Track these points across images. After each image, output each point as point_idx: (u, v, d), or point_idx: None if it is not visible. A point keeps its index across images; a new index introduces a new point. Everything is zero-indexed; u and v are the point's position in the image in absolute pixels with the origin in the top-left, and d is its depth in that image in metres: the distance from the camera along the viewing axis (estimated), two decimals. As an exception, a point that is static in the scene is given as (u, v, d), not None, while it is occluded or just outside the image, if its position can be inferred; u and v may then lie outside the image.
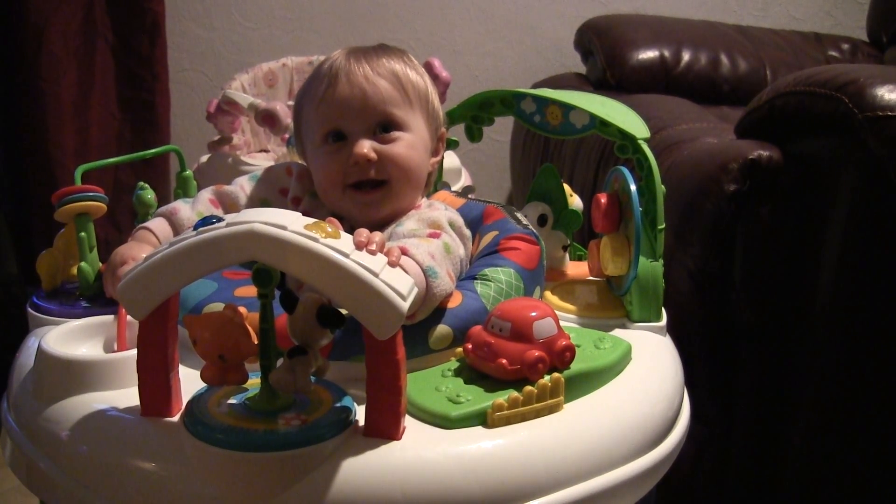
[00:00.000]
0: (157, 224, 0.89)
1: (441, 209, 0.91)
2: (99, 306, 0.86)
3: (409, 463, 0.62)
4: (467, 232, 0.90)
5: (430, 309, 0.76)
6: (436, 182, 1.12)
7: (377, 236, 0.65)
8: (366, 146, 0.89)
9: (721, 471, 1.21)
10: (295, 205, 0.96)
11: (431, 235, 0.83)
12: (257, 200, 0.96)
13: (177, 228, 0.89)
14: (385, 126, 0.91)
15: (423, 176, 0.95)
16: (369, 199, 0.91)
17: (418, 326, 0.75)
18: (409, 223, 0.86)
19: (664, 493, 0.85)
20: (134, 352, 0.65)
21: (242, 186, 0.97)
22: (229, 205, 0.95)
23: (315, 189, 0.96)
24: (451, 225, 0.87)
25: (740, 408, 1.18)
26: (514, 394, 0.68)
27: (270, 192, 0.98)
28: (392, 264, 0.63)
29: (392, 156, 0.90)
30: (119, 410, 0.68)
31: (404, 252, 0.73)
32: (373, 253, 0.62)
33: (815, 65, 1.93)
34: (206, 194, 0.95)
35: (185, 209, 0.91)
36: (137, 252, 0.83)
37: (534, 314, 0.72)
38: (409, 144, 0.92)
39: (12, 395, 0.76)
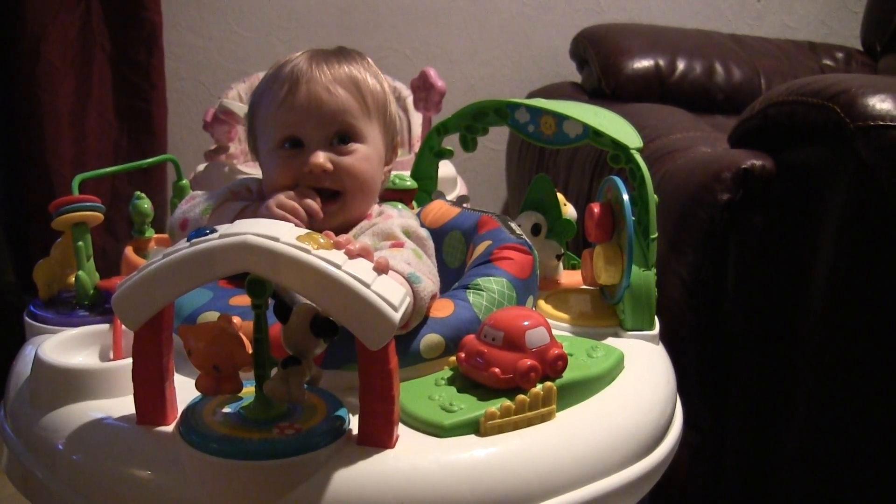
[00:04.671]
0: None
1: (394, 216, 0.91)
2: (95, 315, 0.86)
3: (403, 471, 0.62)
4: (424, 232, 0.90)
5: (421, 314, 0.76)
6: (430, 191, 1.12)
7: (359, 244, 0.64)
8: (321, 157, 0.89)
9: (714, 478, 1.21)
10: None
11: (394, 246, 0.83)
12: None
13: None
14: (342, 136, 0.90)
15: (376, 187, 0.95)
16: (324, 210, 0.89)
17: (410, 335, 0.75)
18: (365, 240, 0.86)
19: (657, 501, 0.85)
20: (129, 360, 0.66)
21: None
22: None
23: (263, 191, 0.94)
24: (407, 232, 0.87)
25: (733, 415, 1.19)
26: (507, 402, 0.68)
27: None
28: (383, 270, 0.63)
29: (348, 167, 0.90)
30: (115, 419, 0.68)
31: None
32: (351, 255, 0.62)
33: (809, 73, 1.94)
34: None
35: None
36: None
37: (526, 323, 0.72)
38: (365, 156, 0.91)
39: (9, 403, 0.77)
